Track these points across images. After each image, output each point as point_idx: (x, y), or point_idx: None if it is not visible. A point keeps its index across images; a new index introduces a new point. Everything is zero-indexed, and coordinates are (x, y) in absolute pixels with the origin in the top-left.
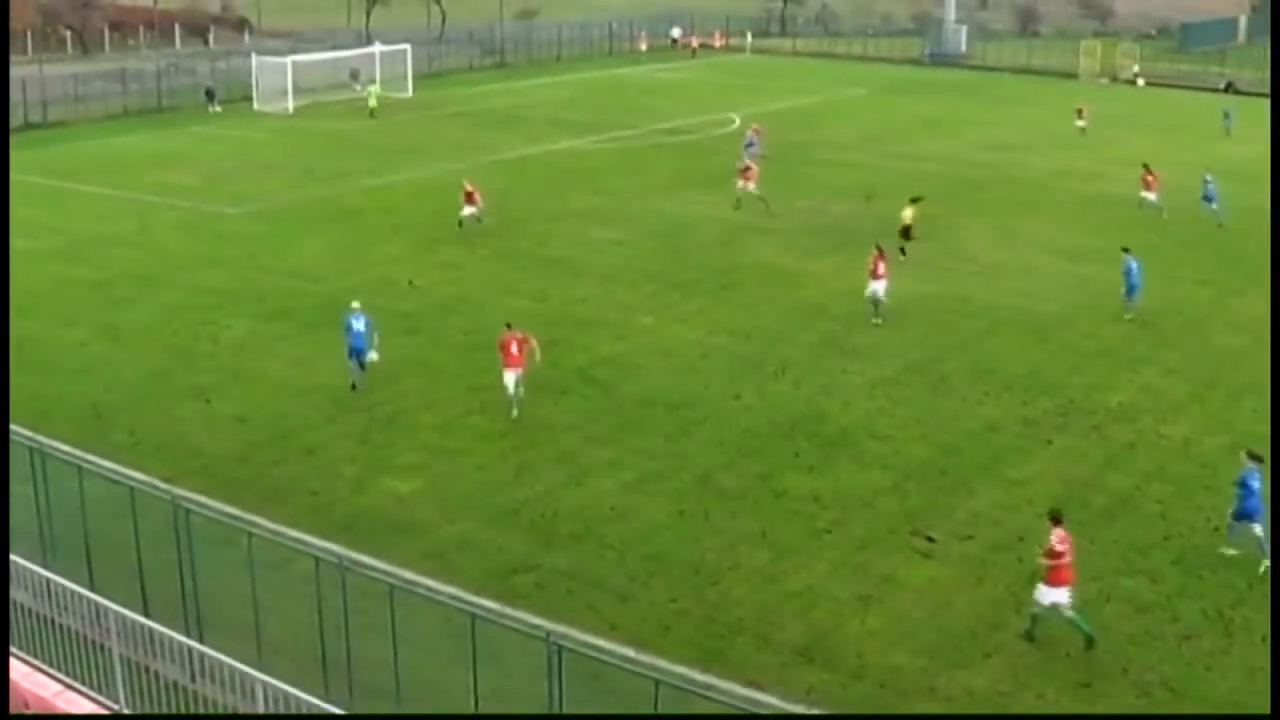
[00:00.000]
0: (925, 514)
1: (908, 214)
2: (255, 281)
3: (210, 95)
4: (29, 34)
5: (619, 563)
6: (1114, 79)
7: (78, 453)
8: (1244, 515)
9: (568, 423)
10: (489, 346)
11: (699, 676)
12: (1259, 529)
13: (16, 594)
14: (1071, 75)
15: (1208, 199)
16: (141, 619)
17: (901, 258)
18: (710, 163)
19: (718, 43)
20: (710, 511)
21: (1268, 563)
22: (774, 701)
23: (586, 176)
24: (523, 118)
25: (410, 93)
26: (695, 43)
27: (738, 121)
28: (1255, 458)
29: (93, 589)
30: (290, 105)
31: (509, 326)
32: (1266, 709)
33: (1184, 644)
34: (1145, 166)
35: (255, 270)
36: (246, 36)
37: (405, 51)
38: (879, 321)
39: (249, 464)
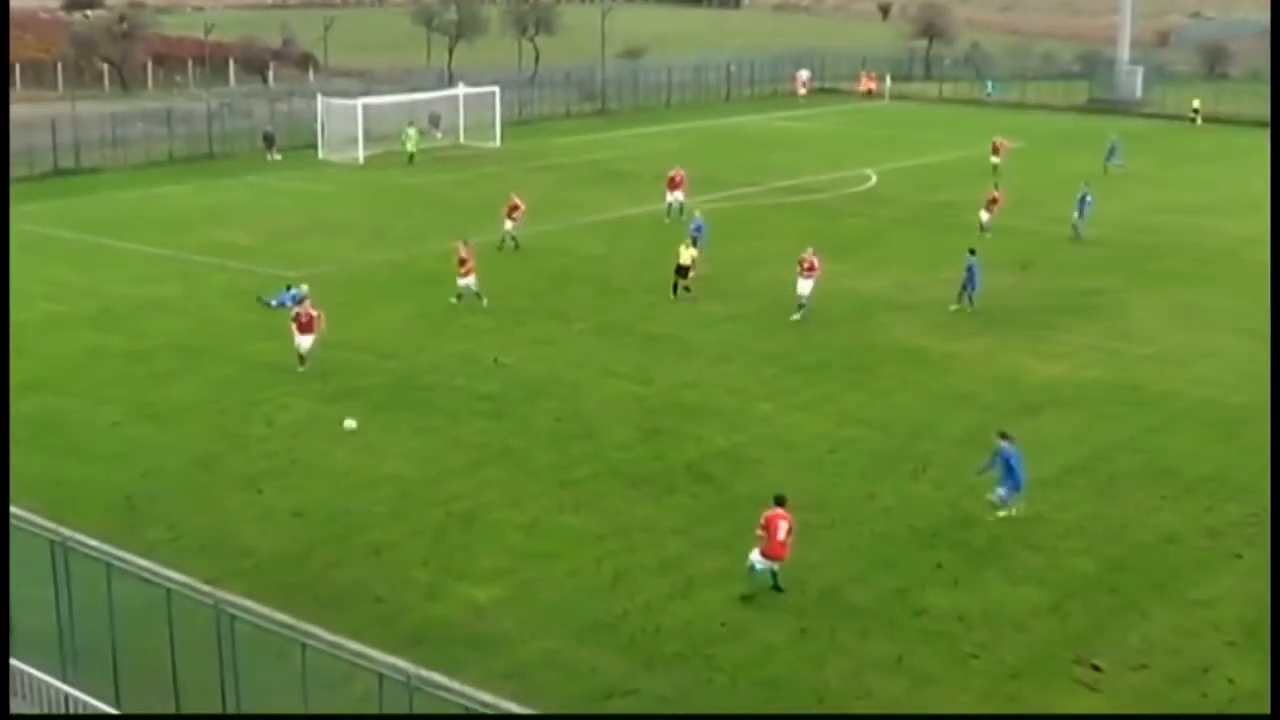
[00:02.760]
0: (1090, 639)
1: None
2: (317, 356)
3: (269, 141)
4: (59, 67)
5: (730, 688)
6: None
7: (107, 548)
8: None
9: (673, 525)
10: (583, 435)
11: None
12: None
13: (28, 708)
14: (1264, 124)
15: (1080, 212)
16: None
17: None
18: (841, 225)
19: (863, 87)
20: (836, 631)
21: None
22: None
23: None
24: (625, 172)
25: (498, 142)
26: (872, 85)
27: (874, 179)
28: (1005, 436)
29: (119, 707)
30: (360, 154)
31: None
32: None
33: None
34: None
35: (317, 344)
36: (311, 75)
37: (493, 94)
38: (797, 317)
39: (305, 565)
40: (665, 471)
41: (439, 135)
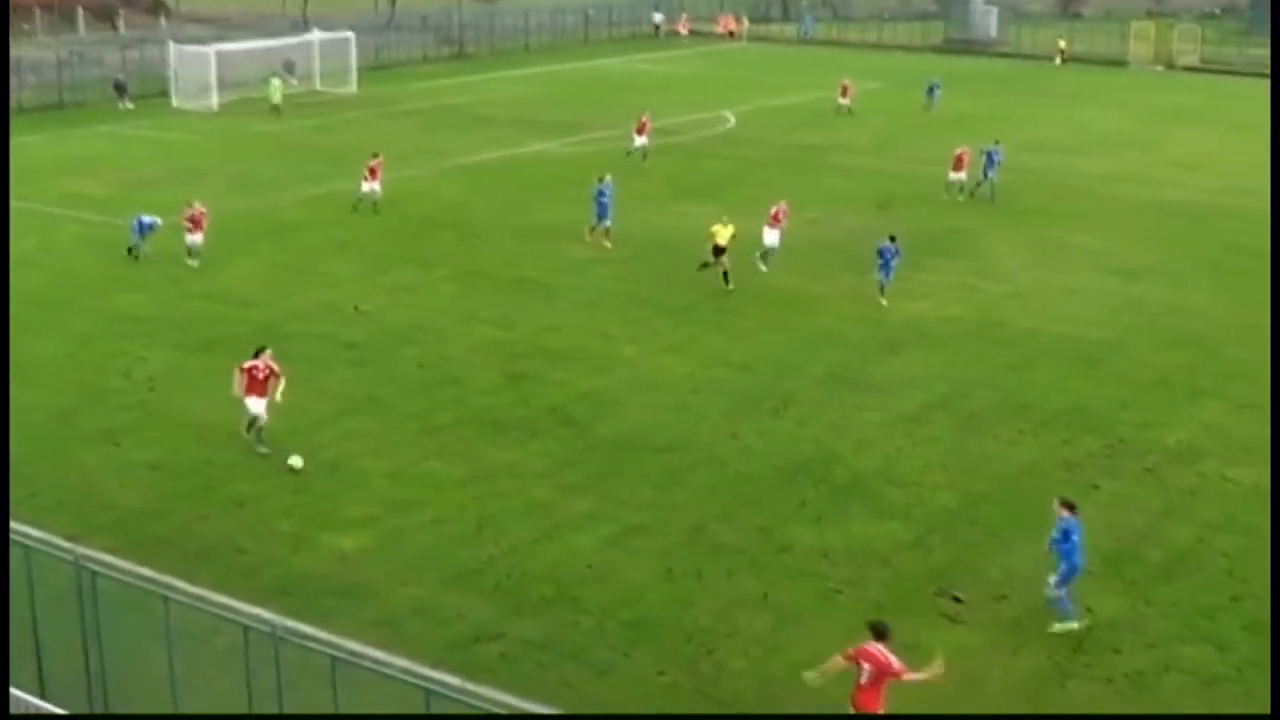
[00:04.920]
0: (952, 572)
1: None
2: (176, 307)
3: (121, 89)
4: None
5: (598, 630)
6: (1170, 66)
7: None
8: (1073, 575)
9: (538, 469)
10: (447, 382)
11: None
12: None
13: None
14: (1120, 63)
15: (987, 171)
16: (37, 700)
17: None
18: (703, 168)
19: (723, 28)
20: (703, 570)
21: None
22: None
23: (560, 185)
24: (485, 117)
25: (355, 88)
26: (733, 26)
27: (733, 121)
28: (1067, 505)
29: None
30: (215, 102)
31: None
32: None
33: None
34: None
35: (176, 294)
36: (163, 21)
37: (348, 40)
38: (764, 269)
39: (168, 519)
40: (529, 416)
41: (294, 82)
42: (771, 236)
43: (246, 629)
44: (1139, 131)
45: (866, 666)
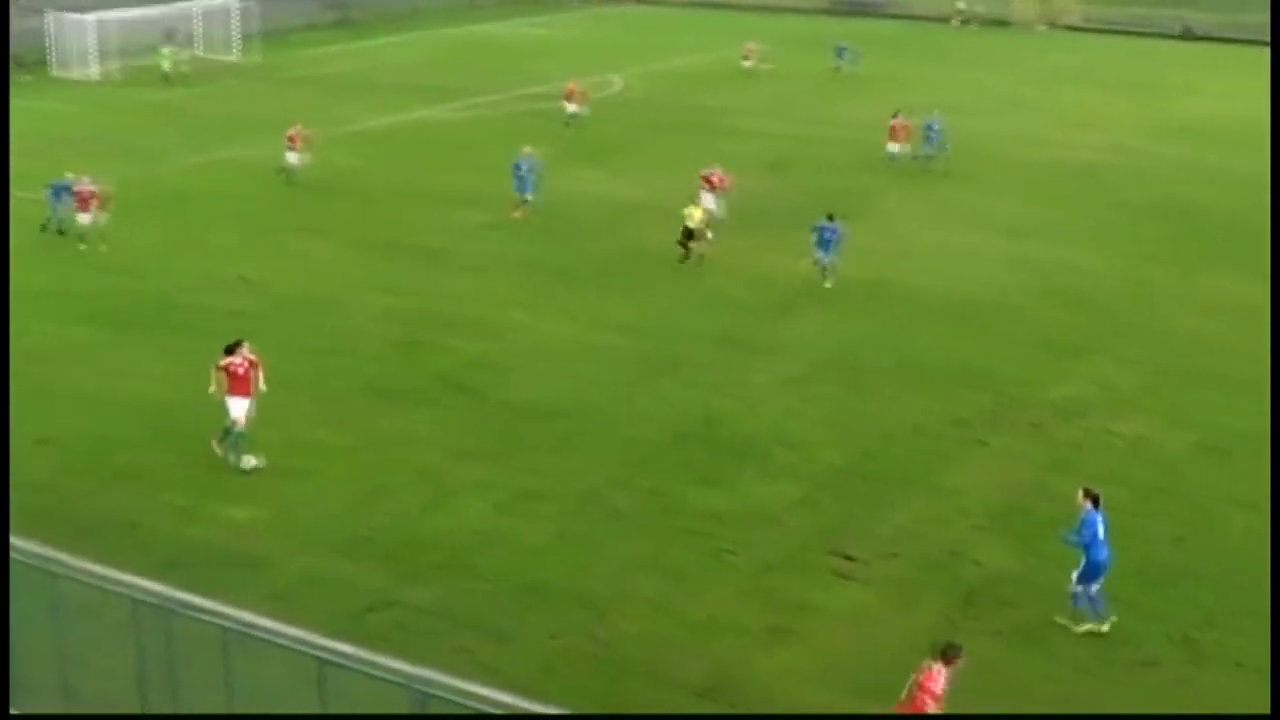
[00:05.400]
0: (843, 530)
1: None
2: (60, 278)
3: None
4: None
5: (492, 596)
6: (1053, 25)
7: None
8: (1096, 572)
9: (429, 436)
10: (336, 350)
11: None
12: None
13: None
14: (1005, 23)
15: (929, 140)
16: None
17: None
18: (592, 132)
19: None
20: (596, 534)
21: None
22: None
23: (450, 151)
24: (373, 83)
25: (238, 56)
26: None
27: (617, 83)
28: (1089, 495)
29: None
30: (96, 70)
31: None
32: None
33: (1144, 672)
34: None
35: (59, 265)
36: None
37: (232, 7)
38: (711, 237)
39: (56, 493)
40: (421, 384)
41: (177, 50)
42: (709, 201)
43: (136, 602)
44: (1028, 93)
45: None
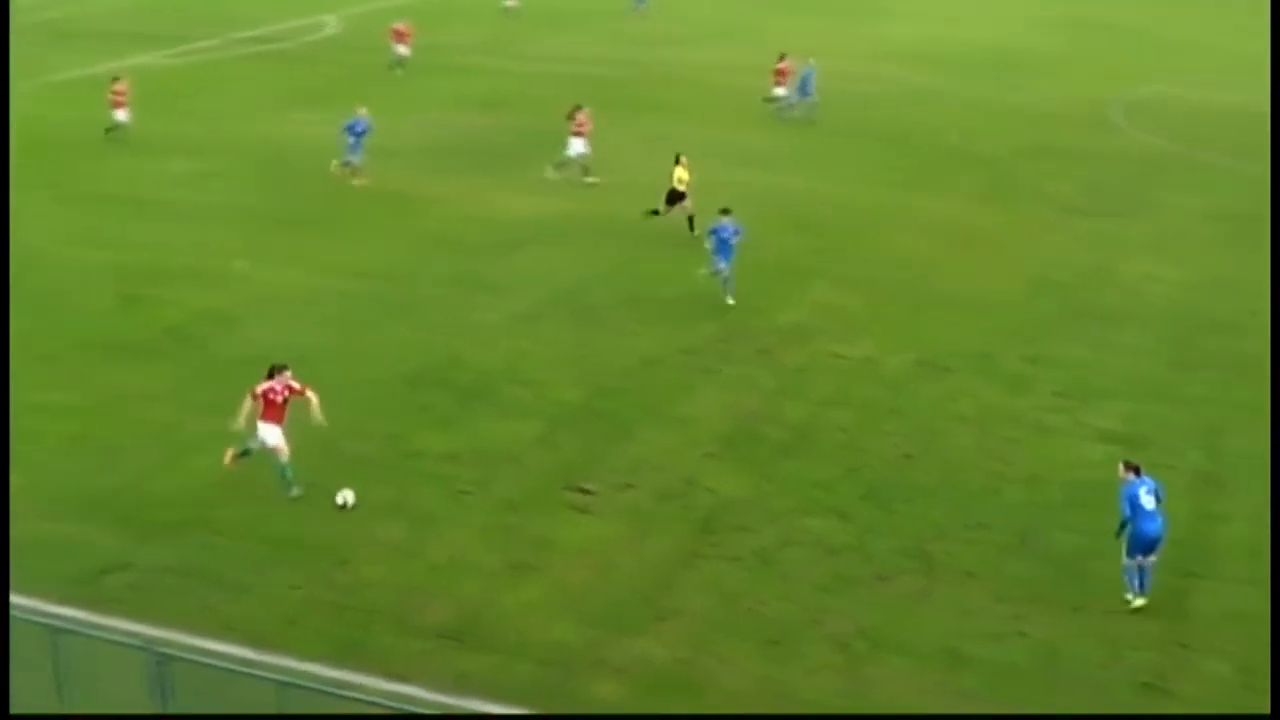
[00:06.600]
0: (580, 465)
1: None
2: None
3: None
4: None
5: (232, 550)
6: None
7: None
8: (1148, 544)
9: (160, 391)
10: (57, 307)
11: (332, 674)
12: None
13: None
14: None
15: (804, 91)
16: None
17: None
18: (309, 75)
19: None
20: (335, 482)
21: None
22: (421, 694)
23: (163, 99)
24: (75, 31)
25: None
26: None
27: (332, 24)
28: (1131, 466)
29: None
30: None
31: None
32: (978, 649)
33: (881, 586)
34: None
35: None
36: None
37: None
38: (594, 180)
39: None
40: (147, 338)
41: None
42: (579, 145)
43: None
44: (740, 20)
45: None
